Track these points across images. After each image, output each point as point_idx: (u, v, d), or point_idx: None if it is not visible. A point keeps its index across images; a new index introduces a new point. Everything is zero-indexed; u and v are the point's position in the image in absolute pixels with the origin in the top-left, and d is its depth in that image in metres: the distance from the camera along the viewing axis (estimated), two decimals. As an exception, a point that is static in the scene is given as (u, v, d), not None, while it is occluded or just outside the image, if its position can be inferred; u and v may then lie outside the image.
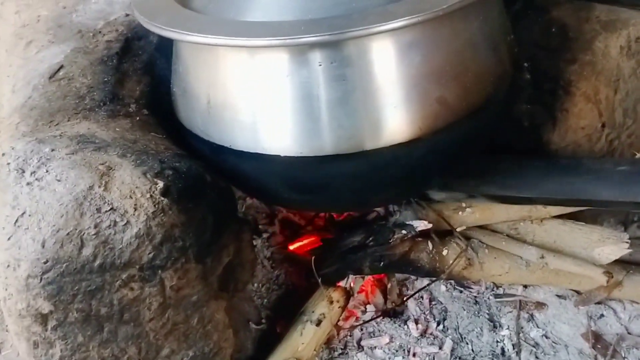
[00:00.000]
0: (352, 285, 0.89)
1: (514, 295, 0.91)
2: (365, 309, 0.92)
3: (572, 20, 0.85)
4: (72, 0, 1.06)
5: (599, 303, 0.89)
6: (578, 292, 0.91)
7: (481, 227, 0.90)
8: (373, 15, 0.59)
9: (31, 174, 0.64)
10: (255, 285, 0.96)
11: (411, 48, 0.63)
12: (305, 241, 1.00)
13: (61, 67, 0.88)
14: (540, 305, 0.91)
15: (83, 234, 0.61)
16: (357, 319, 0.91)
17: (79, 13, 1.01)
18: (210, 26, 0.63)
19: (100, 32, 0.94)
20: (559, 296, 0.91)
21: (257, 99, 0.66)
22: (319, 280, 0.82)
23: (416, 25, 0.59)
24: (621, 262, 0.87)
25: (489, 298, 0.92)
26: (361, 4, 0.63)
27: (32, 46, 0.96)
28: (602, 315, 0.89)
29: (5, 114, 0.86)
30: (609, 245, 0.83)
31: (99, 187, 0.63)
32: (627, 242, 0.82)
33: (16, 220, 0.62)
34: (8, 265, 0.62)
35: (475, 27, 0.67)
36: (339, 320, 0.87)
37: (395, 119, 0.65)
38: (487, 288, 0.93)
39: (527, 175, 0.79)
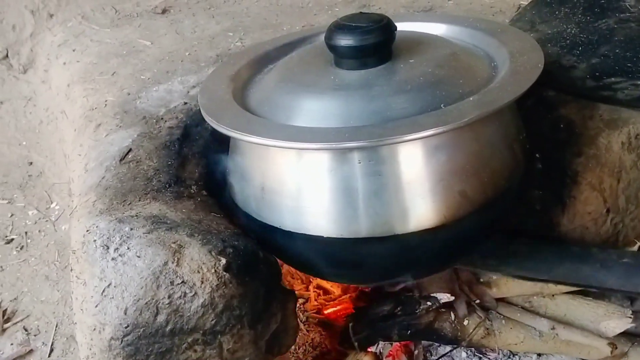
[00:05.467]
0: (381, 350, 0.99)
1: (528, 363, 1.00)
2: (393, 372, 1.01)
3: (578, 118, 0.95)
4: (135, 88, 1.20)
5: (607, 372, 0.98)
6: (587, 362, 0.99)
7: (498, 299, 0.99)
8: (405, 125, 0.70)
9: (115, 250, 0.76)
10: (293, 347, 1.05)
11: (436, 150, 0.73)
12: (338, 307, 1.10)
13: (130, 150, 0.99)
14: (552, 372, 0.99)
15: (158, 303, 0.72)
16: (385, 381, 1.00)
17: (142, 100, 1.14)
18: (268, 129, 0.75)
19: (162, 118, 1.06)
20: (570, 365, 1.00)
21: (304, 189, 0.76)
22: (356, 345, 0.92)
23: (441, 133, 0.71)
24: (627, 334, 0.95)
25: (505, 365, 1.01)
26: (394, 113, 0.73)
27: (101, 129, 1.08)
28: (609, 384, 0.97)
29: (79, 190, 0.98)
30: (614, 319, 0.92)
31: (172, 263, 0.74)
32: (630, 317, 0.91)
33: (103, 291, 0.73)
34: (94, 329, 0.73)
35: (492, 131, 0.78)
36: (368, 382, 0.96)
37: (422, 208, 0.75)
38: (504, 355, 1.01)
39: (541, 259, 0.89)
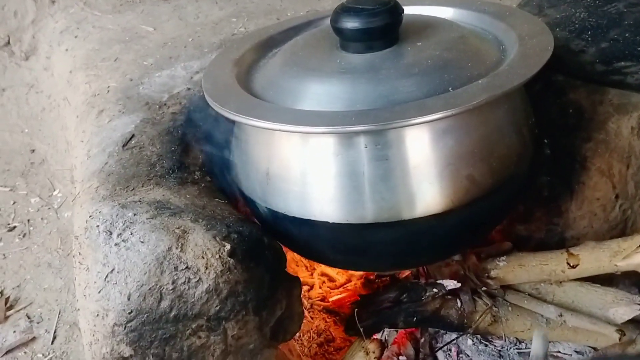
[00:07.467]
0: (386, 337, 0.98)
1: (535, 350, 0.99)
2: (398, 359, 1.00)
3: (587, 103, 0.94)
4: (137, 73, 1.19)
5: (614, 359, 0.97)
6: (595, 349, 0.97)
7: (505, 286, 0.98)
8: (412, 108, 0.69)
9: (118, 235, 0.75)
10: (297, 334, 1.05)
11: (444, 134, 0.72)
12: (343, 294, 1.09)
13: (132, 136, 0.98)
14: (559, 360, 0.98)
15: (162, 289, 0.71)
16: (390, 368, 0.99)
17: (144, 86, 1.13)
18: (273, 113, 0.73)
19: (165, 104, 1.05)
20: (577, 352, 0.98)
21: (310, 174, 0.76)
22: (361, 332, 0.91)
23: (449, 117, 0.70)
24: (636, 321, 0.94)
25: (511, 352, 0.99)
26: (401, 97, 0.72)
27: (104, 115, 1.08)
28: (617, 371, 0.96)
29: (82, 176, 0.97)
30: (623, 306, 0.91)
31: (176, 248, 0.73)
32: (638, 304, 0.90)
33: (106, 276, 0.72)
34: (97, 315, 0.72)
35: (500, 116, 0.77)
36: (374, 370, 0.95)
37: (429, 194, 0.74)
38: (510, 343, 1.00)
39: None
